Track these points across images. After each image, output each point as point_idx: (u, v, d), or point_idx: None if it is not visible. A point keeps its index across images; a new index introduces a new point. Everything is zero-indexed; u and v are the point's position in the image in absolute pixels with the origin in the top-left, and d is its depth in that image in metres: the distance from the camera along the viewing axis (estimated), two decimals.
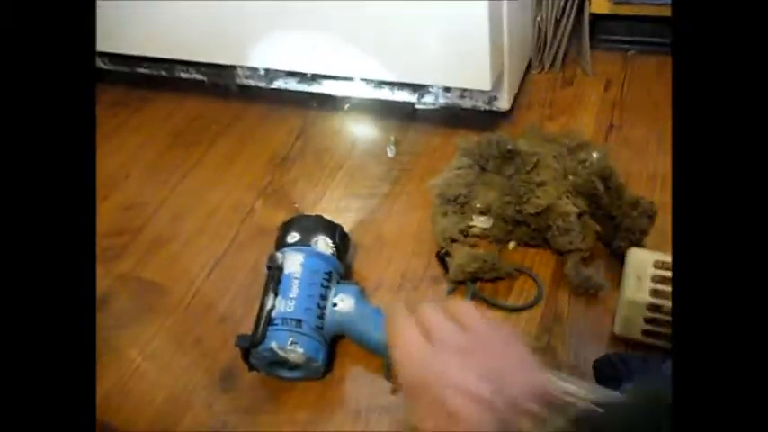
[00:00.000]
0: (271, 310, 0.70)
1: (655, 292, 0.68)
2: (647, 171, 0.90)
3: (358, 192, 0.96)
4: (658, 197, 0.81)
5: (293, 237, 0.76)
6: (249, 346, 0.69)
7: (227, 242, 0.92)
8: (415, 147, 1.02)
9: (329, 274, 0.74)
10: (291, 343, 0.68)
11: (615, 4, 0.96)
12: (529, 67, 1.10)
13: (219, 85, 1.16)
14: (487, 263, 0.77)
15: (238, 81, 1.13)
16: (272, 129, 1.10)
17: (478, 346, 0.47)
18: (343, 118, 1.09)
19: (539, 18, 1.05)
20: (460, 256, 0.78)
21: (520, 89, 1.04)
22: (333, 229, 0.78)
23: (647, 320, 0.68)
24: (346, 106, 1.10)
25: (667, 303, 0.67)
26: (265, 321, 0.69)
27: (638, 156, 0.93)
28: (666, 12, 0.98)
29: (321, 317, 0.71)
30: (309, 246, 0.75)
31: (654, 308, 0.67)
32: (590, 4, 1.00)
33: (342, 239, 0.79)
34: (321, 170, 1.01)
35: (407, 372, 0.48)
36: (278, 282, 0.72)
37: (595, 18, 1.03)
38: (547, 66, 1.07)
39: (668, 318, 0.67)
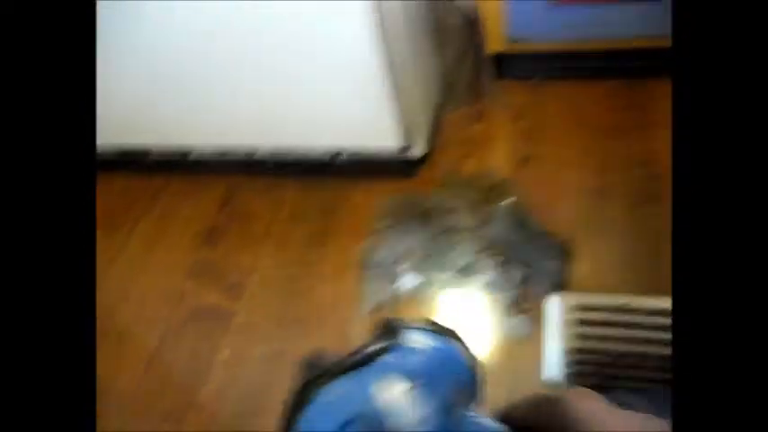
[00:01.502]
0: None
1: (578, 336, 0.70)
2: (565, 200, 0.92)
3: (288, 257, 0.96)
4: (576, 227, 0.83)
5: None
6: None
7: (161, 330, 0.91)
8: (334, 205, 1.01)
9: None
10: None
11: (511, 43, 0.98)
12: (440, 107, 1.11)
13: (134, 162, 1.13)
14: None
15: (153, 158, 1.11)
16: (195, 200, 1.09)
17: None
18: (265, 181, 1.08)
19: (441, 60, 1.06)
20: None
21: (434, 130, 1.05)
22: None
23: (574, 363, 0.71)
24: (267, 168, 1.09)
25: (590, 345, 0.70)
26: None
27: (552, 185, 0.94)
28: (563, 47, 1.00)
29: None
30: None
31: (578, 351, 0.70)
32: (487, 43, 1.02)
33: None
34: (249, 239, 1.00)
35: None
36: None
37: (500, 55, 1.05)
38: (457, 105, 1.09)
39: (594, 358, 0.70)
